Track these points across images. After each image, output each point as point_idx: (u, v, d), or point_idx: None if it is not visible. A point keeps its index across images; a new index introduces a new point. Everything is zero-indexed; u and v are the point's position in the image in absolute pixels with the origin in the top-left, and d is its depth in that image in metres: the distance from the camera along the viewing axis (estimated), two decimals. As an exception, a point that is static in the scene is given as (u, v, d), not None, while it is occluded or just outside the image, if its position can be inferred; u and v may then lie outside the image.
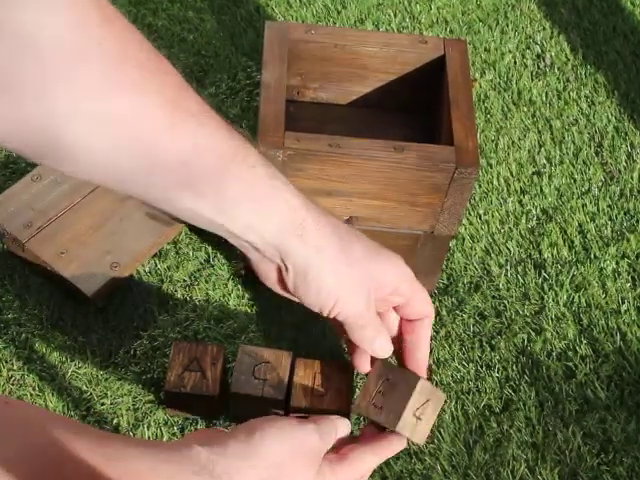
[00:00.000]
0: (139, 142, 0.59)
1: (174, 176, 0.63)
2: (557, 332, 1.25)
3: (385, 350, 0.81)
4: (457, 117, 1.11)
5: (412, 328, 0.81)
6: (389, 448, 0.77)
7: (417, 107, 1.26)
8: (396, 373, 1.00)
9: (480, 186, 1.41)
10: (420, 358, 0.82)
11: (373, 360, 0.82)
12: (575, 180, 1.44)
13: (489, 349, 1.22)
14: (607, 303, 1.29)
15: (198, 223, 0.68)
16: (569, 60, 1.63)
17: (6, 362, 1.16)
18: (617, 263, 1.33)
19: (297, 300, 0.80)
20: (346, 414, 1.05)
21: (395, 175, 1.08)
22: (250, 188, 0.68)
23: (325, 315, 0.78)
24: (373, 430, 0.80)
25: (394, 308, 0.81)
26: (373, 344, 0.80)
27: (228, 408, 1.11)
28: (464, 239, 1.34)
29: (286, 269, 0.73)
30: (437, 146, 1.09)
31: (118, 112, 0.57)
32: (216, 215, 0.67)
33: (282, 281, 0.75)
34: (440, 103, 1.19)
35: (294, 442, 0.69)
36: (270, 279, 0.76)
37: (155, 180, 0.63)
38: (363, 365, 0.84)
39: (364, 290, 0.76)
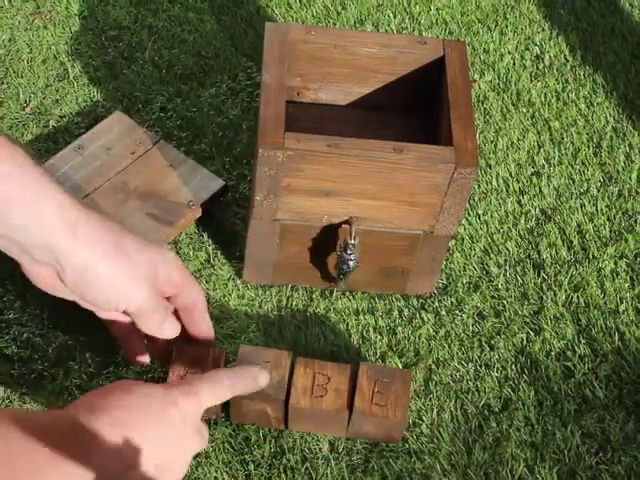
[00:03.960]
0: None
1: None
2: (556, 332, 1.25)
3: (173, 332, 0.88)
4: (456, 118, 1.11)
5: (189, 316, 0.90)
6: (248, 371, 0.87)
7: (416, 108, 1.27)
8: (385, 371, 1.03)
9: (479, 186, 1.42)
10: (204, 330, 0.95)
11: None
12: (574, 180, 1.45)
13: (488, 349, 1.23)
14: (605, 303, 1.29)
15: None
16: (568, 61, 1.63)
17: (7, 362, 1.17)
18: (615, 263, 1.34)
19: (74, 299, 0.82)
20: (346, 413, 1.05)
21: (394, 176, 1.08)
22: (19, 188, 0.68)
23: (112, 309, 0.80)
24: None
25: (168, 300, 0.86)
26: (162, 327, 0.85)
27: (228, 408, 1.11)
28: (463, 239, 1.35)
29: (63, 269, 0.74)
30: (436, 147, 1.09)
31: None
32: None
33: (57, 282, 0.76)
34: (439, 104, 1.19)
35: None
36: (42, 281, 0.77)
37: None
38: (136, 355, 0.93)
39: (146, 277, 0.79)
